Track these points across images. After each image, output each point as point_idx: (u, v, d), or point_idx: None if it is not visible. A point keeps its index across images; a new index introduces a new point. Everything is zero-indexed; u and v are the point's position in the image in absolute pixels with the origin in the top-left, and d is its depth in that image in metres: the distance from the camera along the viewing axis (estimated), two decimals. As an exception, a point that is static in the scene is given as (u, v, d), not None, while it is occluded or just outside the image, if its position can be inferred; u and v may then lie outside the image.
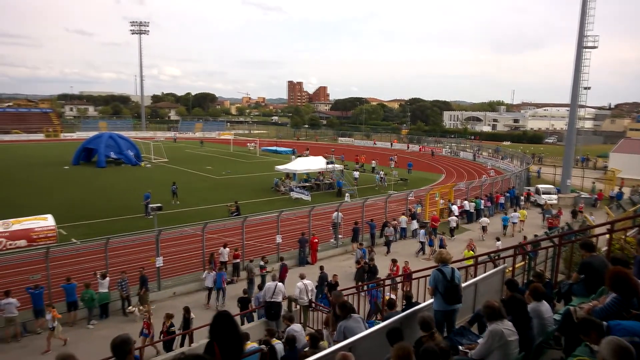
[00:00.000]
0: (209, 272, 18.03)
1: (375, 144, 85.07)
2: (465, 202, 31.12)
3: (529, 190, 38.11)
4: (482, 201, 31.91)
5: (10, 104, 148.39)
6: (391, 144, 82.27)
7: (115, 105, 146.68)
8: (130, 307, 16.66)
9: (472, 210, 30.79)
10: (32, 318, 15.60)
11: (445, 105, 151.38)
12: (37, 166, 50.10)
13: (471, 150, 70.12)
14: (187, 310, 14.43)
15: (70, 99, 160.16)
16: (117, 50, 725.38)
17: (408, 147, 79.25)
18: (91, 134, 68.88)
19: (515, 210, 30.49)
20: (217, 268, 19.41)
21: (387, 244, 24.37)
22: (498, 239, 23.51)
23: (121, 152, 52.92)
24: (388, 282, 15.56)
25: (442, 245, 23.26)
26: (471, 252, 19.28)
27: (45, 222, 23.24)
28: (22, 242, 21.97)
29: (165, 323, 13.92)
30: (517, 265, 11.69)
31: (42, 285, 15.85)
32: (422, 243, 24.17)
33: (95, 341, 14.48)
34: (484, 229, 27.45)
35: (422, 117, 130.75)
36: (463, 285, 7.93)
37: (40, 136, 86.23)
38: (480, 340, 5.78)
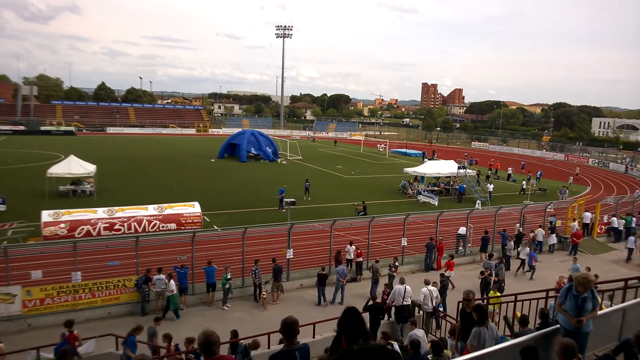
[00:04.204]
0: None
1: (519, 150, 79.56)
2: (614, 218, 27.85)
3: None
4: (634, 219, 28.31)
5: (169, 101, 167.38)
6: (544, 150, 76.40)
7: (257, 105, 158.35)
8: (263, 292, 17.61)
9: (622, 228, 27.45)
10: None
11: (595, 111, 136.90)
12: (188, 157, 55.77)
13: (623, 162, 62.57)
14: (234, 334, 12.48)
15: (219, 98, 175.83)
16: (261, 52, 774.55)
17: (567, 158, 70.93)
18: (235, 130, 74.95)
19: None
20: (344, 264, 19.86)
21: (506, 259, 22.16)
22: None
23: (261, 148, 56.58)
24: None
25: None
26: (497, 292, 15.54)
27: (193, 208, 25.66)
28: (173, 225, 24.48)
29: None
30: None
31: (187, 265, 17.59)
32: (630, 250, 23.21)
33: (229, 321, 15.65)
34: None
35: (567, 123, 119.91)
36: (607, 310, 7.35)
37: (192, 131, 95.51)
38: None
